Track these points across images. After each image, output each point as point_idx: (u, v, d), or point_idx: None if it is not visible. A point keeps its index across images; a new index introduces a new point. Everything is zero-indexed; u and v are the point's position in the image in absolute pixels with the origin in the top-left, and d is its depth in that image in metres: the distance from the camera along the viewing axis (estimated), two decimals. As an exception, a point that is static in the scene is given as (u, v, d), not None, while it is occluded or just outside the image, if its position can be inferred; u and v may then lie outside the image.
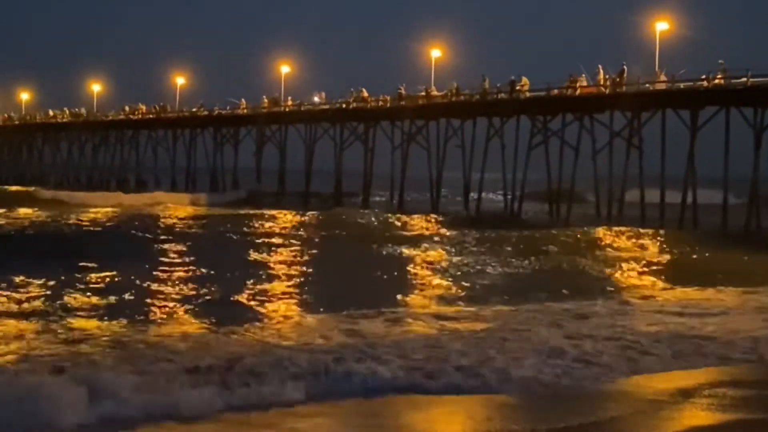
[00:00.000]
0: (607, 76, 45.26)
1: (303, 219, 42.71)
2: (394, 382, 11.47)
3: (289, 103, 65.83)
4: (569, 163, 46.56)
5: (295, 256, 26.87)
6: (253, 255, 27.15)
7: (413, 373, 11.84)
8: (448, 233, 36.23)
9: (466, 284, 21.87)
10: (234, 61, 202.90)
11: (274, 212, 47.67)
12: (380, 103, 58.03)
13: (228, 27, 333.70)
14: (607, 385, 12.04)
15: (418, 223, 41.46)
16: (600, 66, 45.54)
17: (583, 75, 45.77)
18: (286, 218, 43.26)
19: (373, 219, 41.93)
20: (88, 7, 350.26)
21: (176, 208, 54.33)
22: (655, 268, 26.26)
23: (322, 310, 17.02)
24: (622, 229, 35.20)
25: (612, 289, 21.94)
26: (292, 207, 52.37)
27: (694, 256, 28.96)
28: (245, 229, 37.13)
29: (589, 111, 46.18)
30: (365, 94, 59.09)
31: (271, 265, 25.05)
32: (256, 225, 39.52)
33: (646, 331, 15.71)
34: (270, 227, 38.13)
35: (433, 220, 43.35)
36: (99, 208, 49.58)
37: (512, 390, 11.43)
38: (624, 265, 26.53)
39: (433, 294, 20.28)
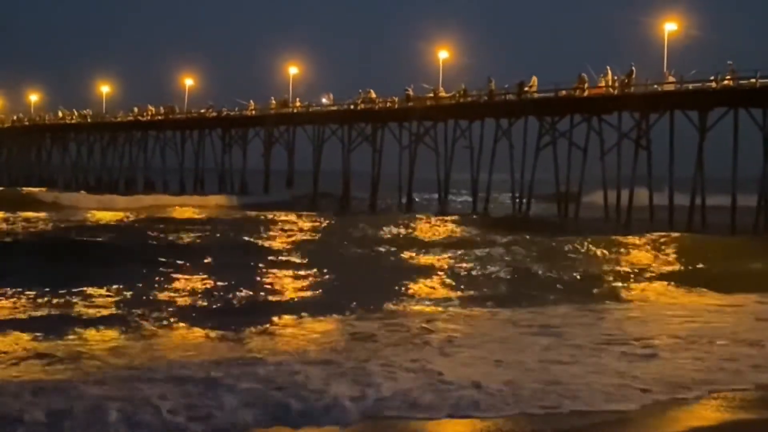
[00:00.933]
0: (615, 77, 45.24)
1: (321, 224, 42.25)
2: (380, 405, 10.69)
3: (298, 104, 65.91)
4: (577, 164, 46.64)
5: (310, 262, 26.67)
6: (280, 258, 27.14)
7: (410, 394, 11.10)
8: (469, 236, 36.04)
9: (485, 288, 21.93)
10: (242, 63, 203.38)
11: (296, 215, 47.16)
12: (388, 104, 58.09)
13: (236, 29, 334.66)
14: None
15: (438, 227, 41.06)
16: (608, 67, 45.58)
17: (602, 74, 45.43)
18: (306, 224, 42.71)
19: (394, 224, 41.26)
20: (97, 9, 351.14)
21: (210, 209, 53.92)
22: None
23: (335, 315, 17.05)
24: (651, 236, 33.94)
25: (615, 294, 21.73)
26: (318, 210, 52.20)
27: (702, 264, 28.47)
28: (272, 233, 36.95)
29: (598, 112, 46.16)
30: (373, 95, 59.16)
31: (290, 268, 24.89)
32: (288, 228, 39.21)
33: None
34: (293, 233, 37.78)
35: (450, 223, 42.98)
36: (128, 212, 48.87)
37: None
38: (638, 271, 26.15)
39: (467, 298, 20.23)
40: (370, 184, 58.98)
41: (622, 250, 30.26)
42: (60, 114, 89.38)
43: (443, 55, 57.69)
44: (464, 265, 26.34)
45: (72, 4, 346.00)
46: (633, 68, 44.64)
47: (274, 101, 67.32)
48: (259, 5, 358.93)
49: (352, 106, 60.52)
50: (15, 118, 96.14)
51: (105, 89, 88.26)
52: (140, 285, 19.96)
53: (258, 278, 22.36)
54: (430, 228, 40.44)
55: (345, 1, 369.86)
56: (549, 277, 24.09)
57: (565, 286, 22.35)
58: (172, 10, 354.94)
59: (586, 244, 30.73)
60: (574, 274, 24.57)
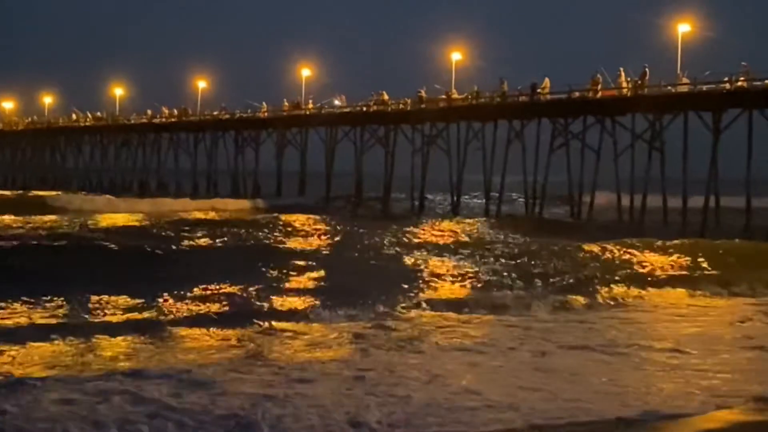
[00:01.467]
0: (628, 79, 45.01)
1: (340, 227, 41.55)
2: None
3: (310, 106, 65.88)
4: (590, 166, 46.42)
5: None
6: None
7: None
8: (479, 239, 35.64)
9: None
10: (255, 65, 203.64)
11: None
12: (401, 106, 57.97)
13: (249, 31, 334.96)
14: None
15: (449, 229, 40.57)
16: (621, 68, 45.34)
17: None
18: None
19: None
20: (110, 12, 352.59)
21: (237, 213, 53.13)
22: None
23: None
24: (665, 241, 32.05)
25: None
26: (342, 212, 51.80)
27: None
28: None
29: (611, 113, 45.93)
30: (386, 97, 59.05)
31: (306, 273, 24.72)
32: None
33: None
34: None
35: (461, 225, 42.43)
36: (154, 216, 47.82)
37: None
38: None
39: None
40: (383, 186, 58.94)
41: (635, 253, 29.93)
42: (74, 116, 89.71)
43: (456, 56, 57.52)
44: (472, 268, 26.09)
45: (85, 8, 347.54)
46: (646, 69, 44.37)
47: (286, 103, 67.37)
48: (272, 8, 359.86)
49: (364, 108, 60.46)
50: (29, 120, 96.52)
51: (118, 92, 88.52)
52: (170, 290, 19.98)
53: (277, 282, 22.32)
54: (440, 230, 40.22)
55: (357, 2, 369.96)
56: (558, 280, 23.90)
57: (573, 290, 22.06)
58: (185, 14, 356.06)
59: (597, 247, 30.47)
60: (583, 277, 24.36)
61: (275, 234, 36.78)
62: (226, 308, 18.45)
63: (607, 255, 29.27)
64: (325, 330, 16.00)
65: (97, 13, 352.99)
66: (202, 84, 79.09)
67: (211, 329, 15.77)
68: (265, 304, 18.91)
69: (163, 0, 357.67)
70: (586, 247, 30.29)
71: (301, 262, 26.45)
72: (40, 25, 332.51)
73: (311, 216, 47.61)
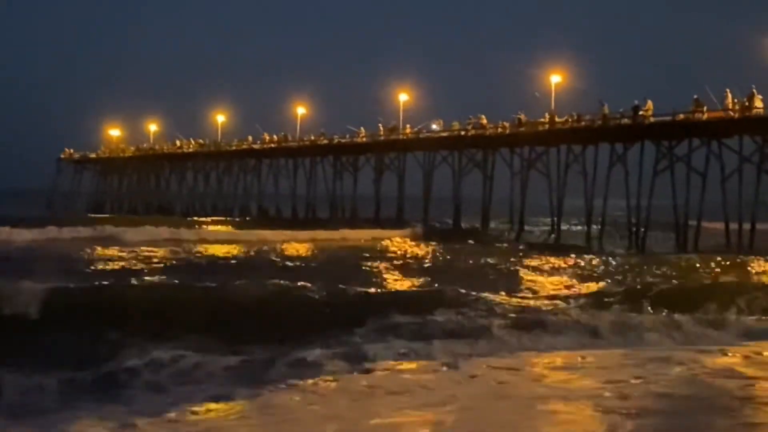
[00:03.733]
0: (735, 100, 43.72)
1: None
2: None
3: (408, 130, 65.88)
4: (696, 190, 45.07)
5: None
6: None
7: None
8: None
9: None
10: (353, 90, 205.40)
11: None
12: (499, 129, 57.47)
13: (348, 56, 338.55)
14: None
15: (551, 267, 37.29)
16: (728, 89, 44.06)
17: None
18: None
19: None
20: (212, 42, 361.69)
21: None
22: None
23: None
24: None
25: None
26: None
27: None
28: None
29: (717, 136, 44.61)
30: (484, 120, 58.63)
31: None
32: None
33: None
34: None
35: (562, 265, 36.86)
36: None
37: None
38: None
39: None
40: (481, 211, 58.37)
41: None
42: (177, 143, 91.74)
43: (555, 79, 56.71)
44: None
45: (189, 39, 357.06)
46: (754, 90, 43.02)
47: (381, 128, 67.44)
48: (369, 33, 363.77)
49: (462, 132, 60.17)
50: (135, 147, 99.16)
51: (220, 118, 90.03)
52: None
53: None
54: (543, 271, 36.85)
55: (455, 25, 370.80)
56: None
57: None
58: (285, 39, 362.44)
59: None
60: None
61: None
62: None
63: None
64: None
65: (200, 42, 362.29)
66: (301, 110, 79.92)
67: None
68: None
69: (263, 28, 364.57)
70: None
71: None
72: (144, 54, 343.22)
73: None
